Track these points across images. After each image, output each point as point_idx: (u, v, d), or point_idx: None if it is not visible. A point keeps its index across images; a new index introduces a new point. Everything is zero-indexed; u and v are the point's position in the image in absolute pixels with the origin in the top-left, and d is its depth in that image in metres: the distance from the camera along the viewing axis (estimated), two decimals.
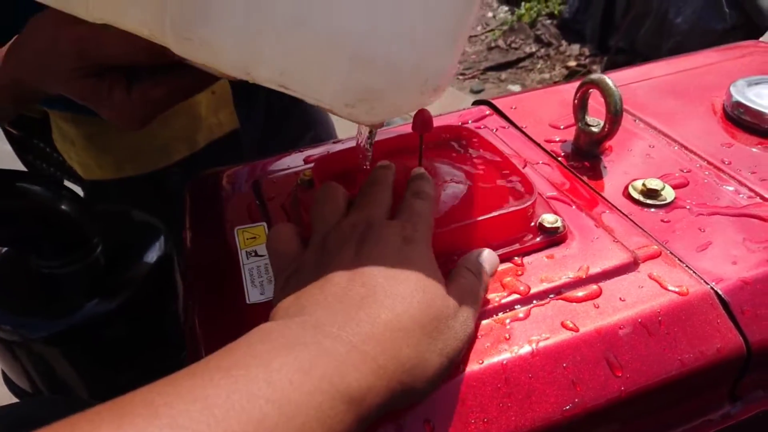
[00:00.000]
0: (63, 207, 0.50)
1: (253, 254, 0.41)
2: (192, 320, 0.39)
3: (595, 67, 2.76)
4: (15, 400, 0.57)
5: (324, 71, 0.30)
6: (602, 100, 0.44)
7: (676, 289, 0.36)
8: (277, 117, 0.74)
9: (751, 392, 0.38)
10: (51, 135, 0.63)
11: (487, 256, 0.35)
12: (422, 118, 0.38)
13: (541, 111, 0.56)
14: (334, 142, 0.54)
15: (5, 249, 0.56)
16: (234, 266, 0.40)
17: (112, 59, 0.35)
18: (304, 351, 0.25)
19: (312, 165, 0.47)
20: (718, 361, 0.34)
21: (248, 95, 0.67)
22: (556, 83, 2.70)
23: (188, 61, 0.33)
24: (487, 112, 0.57)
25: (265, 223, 0.44)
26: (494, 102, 0.58)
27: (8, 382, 0.58)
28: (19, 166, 0.68)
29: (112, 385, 0.56)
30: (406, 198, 0.36)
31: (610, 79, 0.44)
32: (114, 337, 0.53)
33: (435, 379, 0.29)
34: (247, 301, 0.37)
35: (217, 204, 0.48)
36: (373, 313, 0.28)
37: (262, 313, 0.36)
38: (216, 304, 0.39)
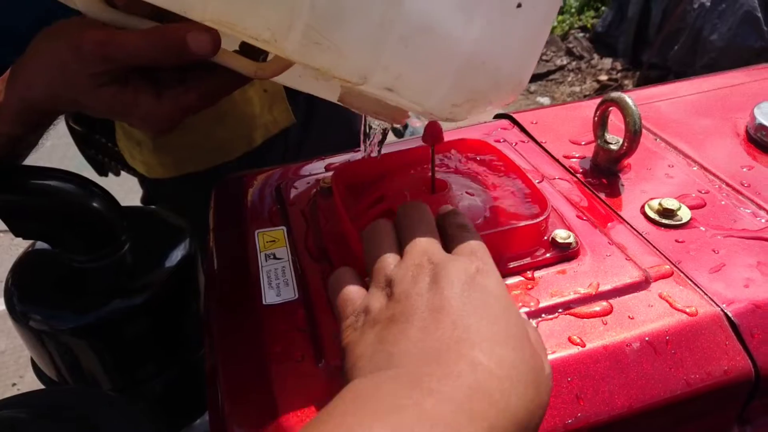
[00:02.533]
0: (94, 204, 0.52)
1: (272, 257, 0.42)
2: (211, 318, 0.41)
3: (626, 81, 2.74)
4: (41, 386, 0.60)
5: (438, 75, 0.32)
6: (622, 117, 0.45)
7: (686, 310, 0.36)
8: (318, 115, 0.75)
9: (761, 417, 0.38)
10: (112, 131, 0.65)
11: None
12: (432, 131, 0.39)
13: (561, 127, 0.57)
14: (355, 151, 0.55)
15: (37, 242, 0.58)
16: (253, 268, 0.42)
17: (136, 59, 0.34)
18: (404, 416, 0.22)
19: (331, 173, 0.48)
20: (725, 384, 0.34)
21: (293, 93, 0.68)
22: (586, 97, 2.68)
23: (220, 62, 0.35)
24: (508, 126, 0.58)
25: (284, 228, 0.46)
26: (515, 116, 0.59)
27: (37, 370, 0.60)
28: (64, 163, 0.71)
29: (132, 378, 0.58)
30: (453, 235, 0.33)
31: (630, 97, 0.45)
32: (136, 332, 0.55)
33: None
34: (264, 302, 0.39)
35: (240, 207, 0.49)
36: (474, 360, 0.25)
37: (277, 314, 0.38)
38: (234, 303, 0.40)
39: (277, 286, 0.40)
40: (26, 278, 0.55)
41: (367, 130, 0.41)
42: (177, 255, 0.57)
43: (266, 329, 0.37)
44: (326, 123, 0.78)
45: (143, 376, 0.58)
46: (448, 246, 0.32)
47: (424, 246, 0.31)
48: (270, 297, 0.39)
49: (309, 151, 0.75)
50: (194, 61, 0.34)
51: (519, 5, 0.31)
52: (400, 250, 0.32)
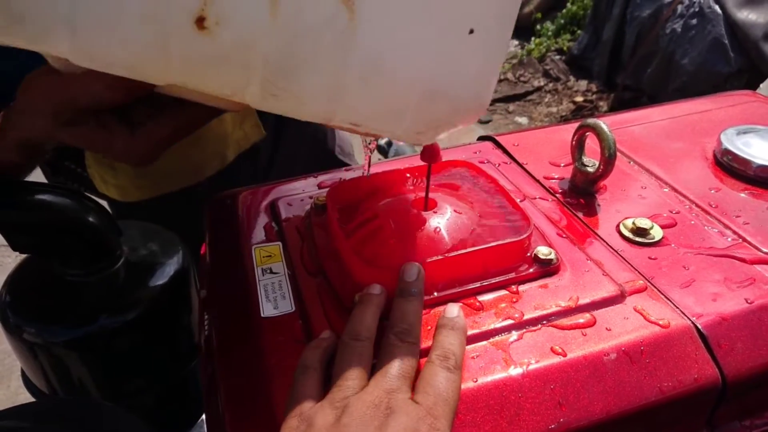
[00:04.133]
0: (90, 219, 0.53)
1: (268, 271, 0.44)
2: (209, 331, 0.42)
3: (601, 103, 2.82)
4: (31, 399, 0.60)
5: (399, 109, 0.33)
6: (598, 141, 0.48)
7: (659, 322, 0.39)
8: (288, 132, 0.77)
9: (728, 422, 0.40)
10: (82, 157, 0.67)
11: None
12: (431, 150, 0.42)
13: (542, 149, 0.60)
14: (346, 170, 0.58)
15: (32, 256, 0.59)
16: (250, 282, 0.43)
17: (99, 99, 0.35)
18: None
19: (325, 190, 0.50)
20: (695, 390, 0.37)
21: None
22: (562, 117, 2.75)
23: (190, 98, 0.36)
24: (491, 148, 0.61)
25: (280, 243, 0.47)
26: (498, 138, 0.62)
27: (27, 381, 0.60)
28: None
29: (124, 390, 0.58)
30: (430, 361, 0.34)
31: (605, 123, 0.48)
32: (128, 346, 0.56)
33: None
34: (261, 315, 0.40)
35: (236, 223, 0.51)
36: None
37: (274, 326, 0.39)
38: (232, 316, 0.42)
39: (274, 299, 0.41)
40: (20, 291, 0.56)
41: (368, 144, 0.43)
42: (170, 270, 0.58)
43: (264, 341, 0.39)
44: (296, 140, 0.79)
45: (134, 388, 0.58)
46: (422, 373, 0.33)
47: (393, 382, 0.32)
48: (267, 310, 0.41)
49: (281, 168, 0.77)
50: (165, 98, 0.35)
51: (471, 31, 0.32)
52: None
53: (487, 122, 2.80)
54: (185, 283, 0.59)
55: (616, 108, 2.70)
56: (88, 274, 0.55)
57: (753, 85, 2.17)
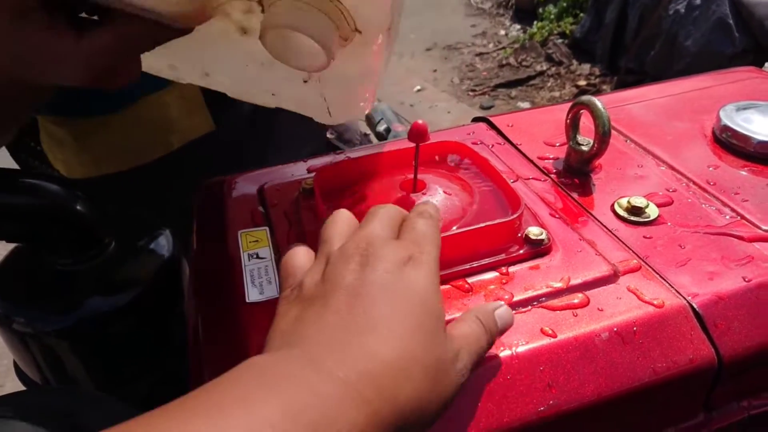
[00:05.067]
0: (78, 207, 0.53)
1: (255, 256, 0.43)
2: (195, 318, 0.42)
3: (605, 86, 2.79)
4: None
5: None
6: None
7: (653, 302, 0.38)
8: (262, 123, 0.76)
9: (725, 403, 0.40)
10: (38, 132, 0.67)
11: (503, 313, 0.33)
12: (418, 130, 0.41)
13: (536, 129, 0.59)
14: (335, 153, 0.57)
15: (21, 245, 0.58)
16: (236, 267, 0.43)
17: None
18: (292, 392, 0.23)
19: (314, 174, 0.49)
20: (690, 372, 0.36)
21: (223, 99, 0.71)
22: (565, 102, 2.72)
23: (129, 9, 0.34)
24: (485, 129, 0.60)
25: (267, 228, 0.47)
26: (492, 119, 0.61)
27: (19, 372, 0.60)
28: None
29: (117, 379, 0.58)
30: (409, 218, 0.34)
31: (599, 101, 0.47)
32: (120, 334, 0.55)
33: (429, 426, 0.27)
34: (247, 300, 0.40)
35: (223, 209, 0.50)
36: (373, 349, 0.26)
37: (260, 311, 0.39)
38: (218, 302, 0.41)
39: (260, 284, 0.41)
40: (9, 281, 0.55)
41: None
42: (160, 257, 0.57)
43: (250, 326, 0.38)
44: (275, 132, 0.79)
45: (128, 377, 0.58)
46: (401, 231, 0.34)
47: (371, 231, 0.32)
48: (253, 295, 0.40)
49: (251, 158, 0.76)
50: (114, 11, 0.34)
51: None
52: None
53: (489, 108, 2.77)
54: (176, 270, 0.58)
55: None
56: (77, 263, 0.54)
57: (758, 66, 2.14)
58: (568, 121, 0.51)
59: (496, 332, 0.32)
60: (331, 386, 0.24)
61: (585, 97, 0.48)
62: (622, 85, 2.68)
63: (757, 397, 0.41)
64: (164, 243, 0.58)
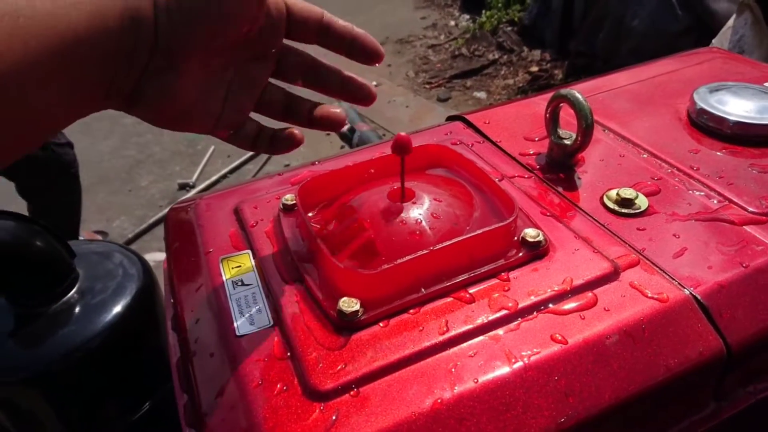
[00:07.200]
0: (37, 243, 0.49)
1: (240, 284, 0.41)
2: (181, 356, 0.39)
3: (556, 71, 2.82)
4: None
5: None
6: (573, 111, 0.45)
7: (657, 297, 0.37)
8: None
9: (734, 391, 0.39)
10: None
11: None
12: (402, 143, 0.39)
13: (513, 125, 0.57)
14: (312, 164, 0.54)
15: None
16: (221, 297, 0.40)
17: None
18: None
19: (294, 187, 0.47)
20: (702, 364, 0.35)
21: None
22: (520, 89, 2.75)
23: None
24: (462, 128, 0.58)
25: (249, 251, 0.44)
26: (468, 117, 0.59)
27: None
28: None
29: (93, 423, 0.54)
30: None
31: (580, 93, 0.46)
32: (95, 376, 0.52)
33: None
34: (237, 334, 0.37)
35: (198, 232, 0.47)
36: None
37: (253, 344, 0.36)
38: (206, 339, 0.38)
39: (249, 314, 0.38)
40: None
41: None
42: (131, 290, 0.54)
43: (244, 363, 0.35)
44: None
45: (103, 421, 0.54)
46: None
47: None
48: (243, 327, 0.37)
49: None
50: None
51: None
52: None
53: (446, 100, 2.78)
54: (150, 302, 0.55)
55: (570, 75, 2.71)
56: (41, 304, 0.50)
57: (703, 43, 2.20)
58: (547, 115, 0.50)
59: None
60: None
61: (564, 91, 0.47)
62: (573, 68, 2.72)
63: (761, 381, 0.40)
64: (135, 273, 0.54)
